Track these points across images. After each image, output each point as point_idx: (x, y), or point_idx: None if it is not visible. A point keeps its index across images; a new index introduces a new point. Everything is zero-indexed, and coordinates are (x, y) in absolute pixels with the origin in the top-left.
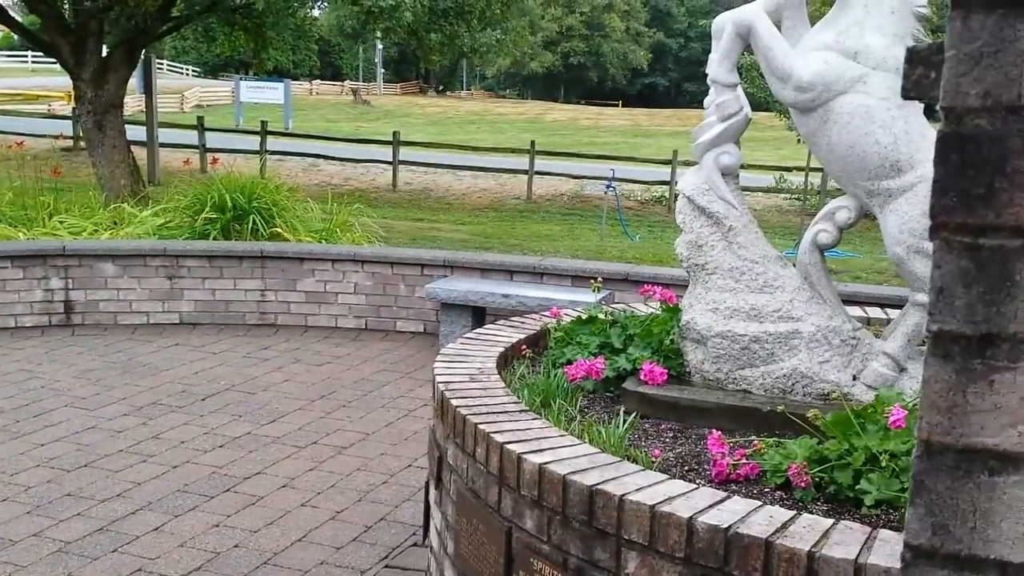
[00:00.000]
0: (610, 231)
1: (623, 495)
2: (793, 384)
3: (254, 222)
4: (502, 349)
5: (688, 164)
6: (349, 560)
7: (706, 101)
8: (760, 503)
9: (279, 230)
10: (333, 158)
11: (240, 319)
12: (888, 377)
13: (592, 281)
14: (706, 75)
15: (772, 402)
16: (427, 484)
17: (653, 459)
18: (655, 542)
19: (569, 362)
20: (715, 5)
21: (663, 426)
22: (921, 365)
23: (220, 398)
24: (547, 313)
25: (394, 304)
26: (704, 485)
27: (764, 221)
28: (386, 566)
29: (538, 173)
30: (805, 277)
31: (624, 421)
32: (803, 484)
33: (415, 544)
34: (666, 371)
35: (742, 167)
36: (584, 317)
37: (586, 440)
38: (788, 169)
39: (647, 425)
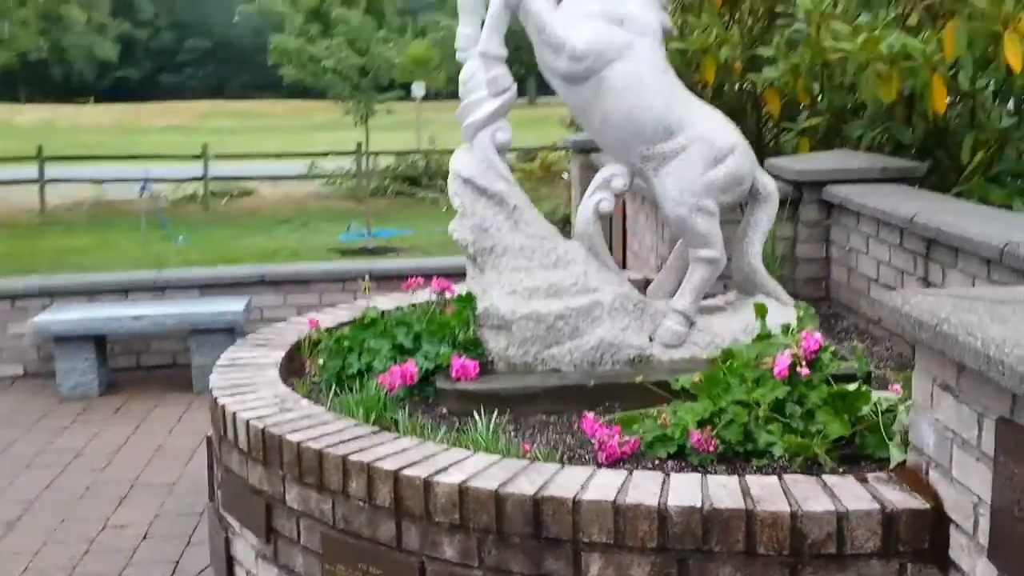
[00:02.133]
0: (151, 234)
1: (576, 497)
2: (601, 355)
3: None
4: (274, 372)
5: (220, 157)
6: None
7: (467, 77)
8: (699, 475)
9: None
10: None
11: None
12: (682, 333)
13: (361, 280)
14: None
15: (587, 376)
16: (226, 541)
17: (526, 452)
18: (622, 538)
19: (366, 370)
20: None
21: (495, 420)
22: (707, 318)
23: None
24: (279, 325)
25: None
26: (599, 468)
27: (307, 208)
28: None
29: (48, 181)
30: (589, 248)
31: (486, 422)
32: (711, 448)
33: None
34: (477, 363)
35: (272, 156)
36: (362, 320)
37: (468, 448)
38: (322, 154)
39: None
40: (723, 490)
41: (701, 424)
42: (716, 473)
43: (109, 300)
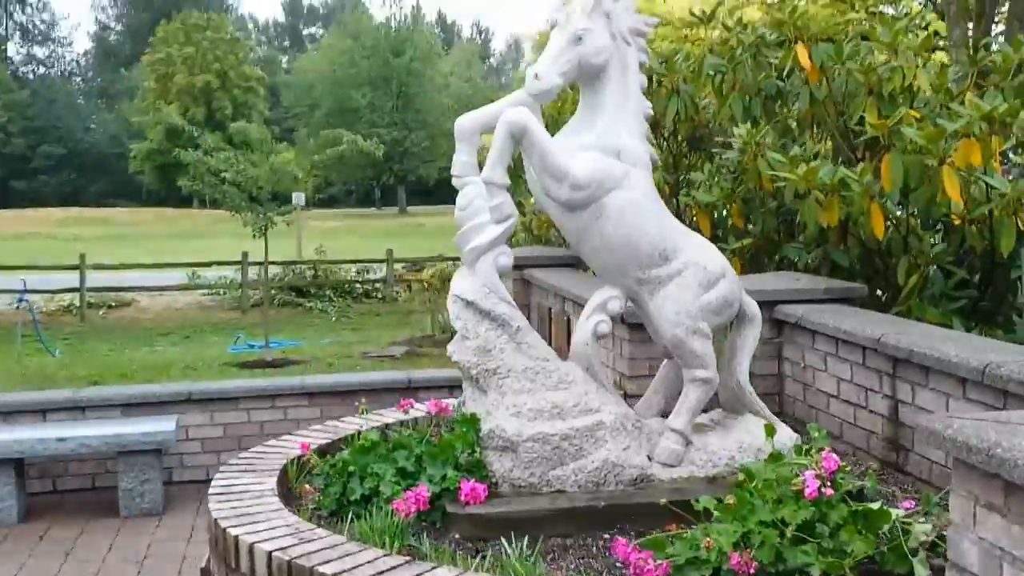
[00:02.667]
0: (26, 348)
1: None
2: (605, 475)
3: None
4: (275, 499)
5: (97, 268)
6: None
7: (466, 203)
8: None
9: None
10: None
11: None
12: (680, 452)
13: (358, 403)
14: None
15: (596, 498)
16: None
17: None
18: None
19: (372, 495)
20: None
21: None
22: (701, 436)
23: None
24: (257, 448)
25: None
26: None
27: (190, 319)
28: None
29: None
30: (586, 368)
31: (520, 549)
32: (751, 571)
33: None
34: (486, 486)
35: (152, 266)
36: (362, 443)
37: None
38: (204, 264)
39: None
40: None
41: (736, 546)
42: None
43: (26, 421)
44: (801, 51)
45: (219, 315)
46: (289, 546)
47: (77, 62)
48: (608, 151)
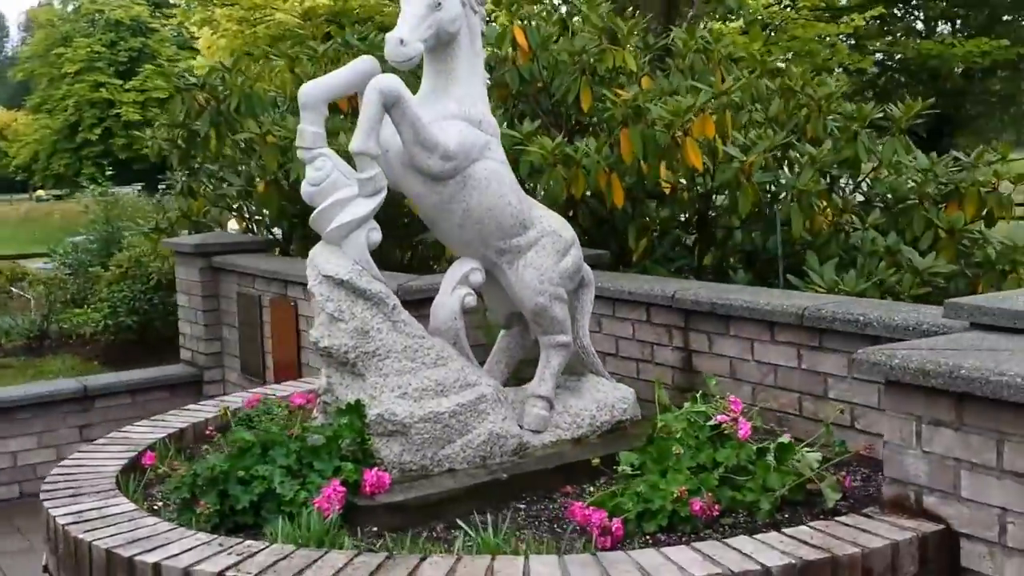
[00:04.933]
0: None
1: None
2: (491, 448)
3: None
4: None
5: None
6: None
7: (321, 177)
8: (750, 539)
9: None
10: None
11: None
12: (547, 417)
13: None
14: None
15: (494, 471)
16: None
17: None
18: None
19: (261, 501)
20: None
21: (432, 530)
22: (562, 400)
23: None
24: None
25: None
26: (621, 551)
27: None
28: None
29: None
30: (454, 343)
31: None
32: (715, 513)
33: None
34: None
35: None
36: (240, 445)
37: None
38: None
39: (420, 532)
40: (799, 548)
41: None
42: (724, 536)
43: None
44: (518, 31)
45: None
46: (229, 566)
47: None
48: (472, 121)
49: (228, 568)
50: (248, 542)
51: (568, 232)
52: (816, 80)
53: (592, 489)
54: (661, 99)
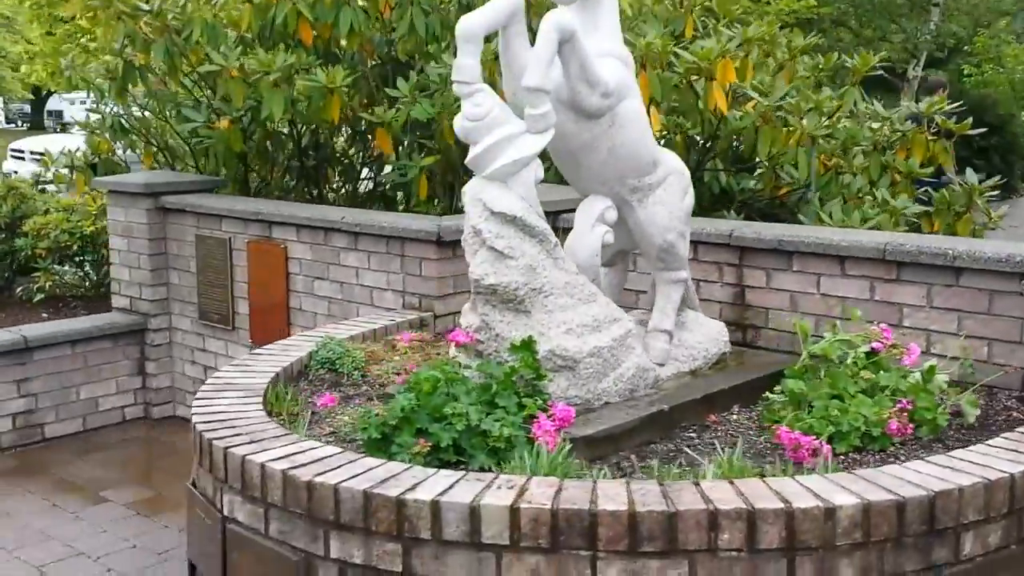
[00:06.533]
0: None
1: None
2: (637, 381)
3: None
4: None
5: None
6: None
7: (483, 113)
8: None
9: None
10: None
11: None
12: (669, 351)
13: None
14: None
15: (655, 403)
16: None
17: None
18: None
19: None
20: None
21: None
22: (678, 335)
23: None
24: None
25: None
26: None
27: None
28: None
29: None
30: (593, 279)
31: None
32: (908, 431)
33: None
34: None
35: None
36: (427, 385)
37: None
38: None
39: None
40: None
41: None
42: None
43: None
44: None
45: None
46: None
47: None
48: (621, 58)
49: (514, 503)
50: (503, 476)
51: (687, 171)
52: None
53: (735, 417)
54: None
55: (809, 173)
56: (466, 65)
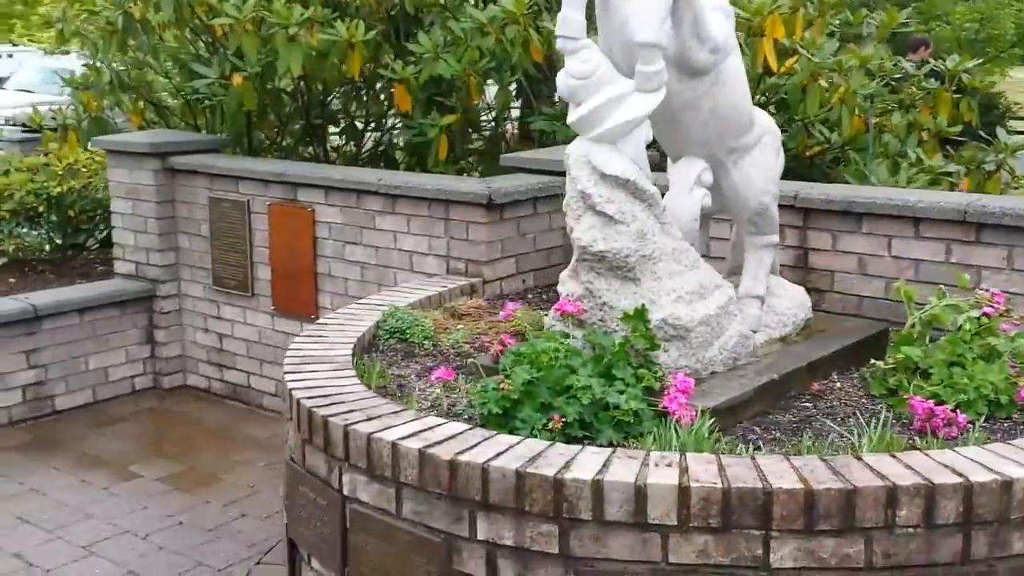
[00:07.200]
0: None
1: None
2: (739, 348)
3: None
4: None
5: None
6: None
7: (590, 70)
8: None
9: None
10: None
11: None
12: (760, 316)
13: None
14: None
15: (763, 372)
16: None
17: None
18: None
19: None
20: None
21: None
22: (772, 298)
23: None
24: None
25: None
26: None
27: None
28: None
29: None
30: (692, 243)
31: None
32: None
33: None
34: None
35: None
36: (549, 357)
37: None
38: None
39: (752, 434)
40: None
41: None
42: None
43: None
44: None
45: None
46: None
47: None
48: (726, 13)
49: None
50: (655, 453)
51: (778, 130)
52: None
53: (838, 385)
54: None
55: (853, 132)
56: (571, 19)
